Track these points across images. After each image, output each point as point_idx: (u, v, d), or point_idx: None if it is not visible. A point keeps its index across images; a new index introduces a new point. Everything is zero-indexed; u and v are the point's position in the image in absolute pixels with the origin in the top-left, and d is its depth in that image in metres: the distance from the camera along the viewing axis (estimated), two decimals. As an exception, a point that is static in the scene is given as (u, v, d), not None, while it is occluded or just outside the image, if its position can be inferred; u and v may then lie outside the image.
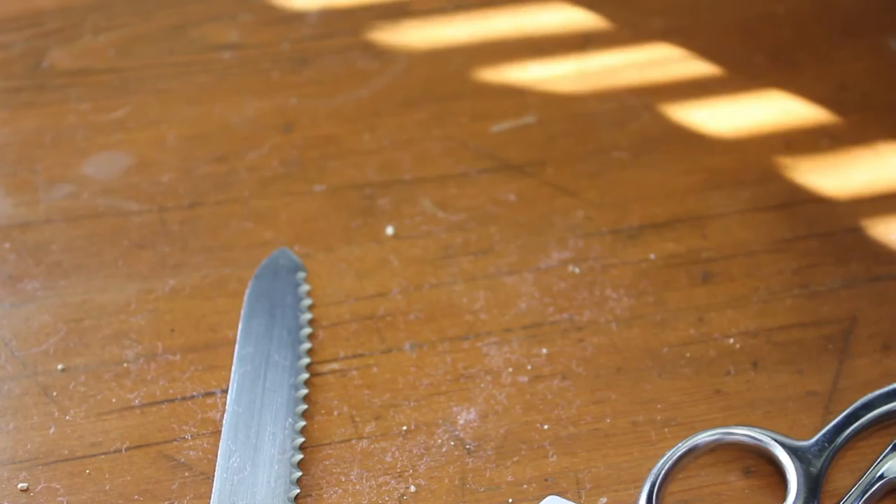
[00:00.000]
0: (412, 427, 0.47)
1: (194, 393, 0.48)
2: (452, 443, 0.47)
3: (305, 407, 0.47)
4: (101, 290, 0.51)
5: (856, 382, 0.48)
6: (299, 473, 0.45)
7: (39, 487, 0.45)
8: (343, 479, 0.46)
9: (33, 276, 0.52)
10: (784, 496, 0.44)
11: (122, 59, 0.60)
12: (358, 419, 0.47)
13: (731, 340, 0.49)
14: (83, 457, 0.46)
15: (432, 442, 0.46)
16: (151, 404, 0.48)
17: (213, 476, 0.45)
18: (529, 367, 0.49)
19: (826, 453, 0.45)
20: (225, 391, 0.48)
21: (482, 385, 0.48)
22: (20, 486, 0.45)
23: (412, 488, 0.45)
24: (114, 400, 0.48)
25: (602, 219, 0.53)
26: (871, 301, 0.50)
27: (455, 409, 0.47)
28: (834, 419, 0.46)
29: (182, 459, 0.46)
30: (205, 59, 0.60)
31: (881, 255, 0.52)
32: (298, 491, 0.45)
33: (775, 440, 0.45)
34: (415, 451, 0.46)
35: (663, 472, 0.44)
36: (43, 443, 0.47)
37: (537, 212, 0.54)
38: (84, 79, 0.59)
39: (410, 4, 0.62)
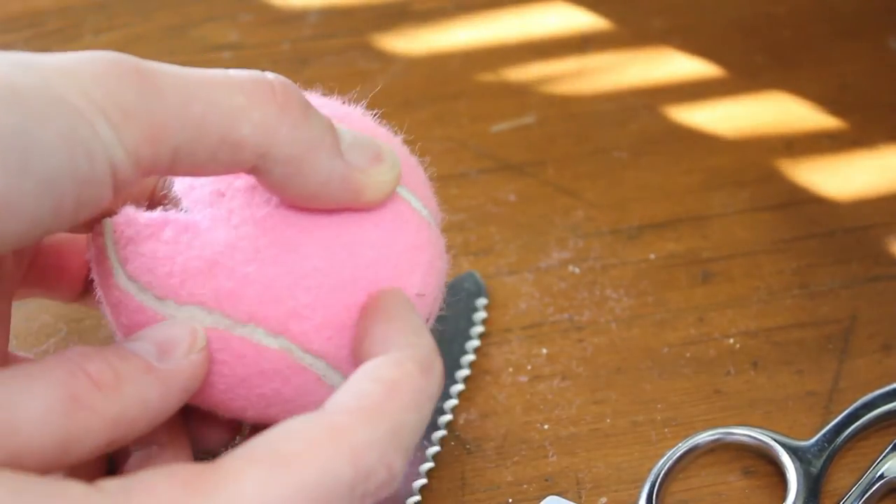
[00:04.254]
0: (412, 427, 0.47)
1: (194, 393, 0.48)
2: (452, 443, 0.47)
3: (305, 407, 0.47)
4: (102, 290, 0.51)
5: (856, 382, 0.48)
6: (299, 473, 0.45)
7: (39, 487, 0.45)
8: (343, 479, 0.46)
9: (33, 276, 0.52)
10: (784, 496, 0.44)
11: (122, 60, 0.60)
12: (358, 419, 0.47)
13: (731, 340, 0.49)
14: (83, 457, 0.46)
15: (432, 442, 0.46)
16: (151, 404, 0.48)
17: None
18: (529, 367, 0.49)
19: (826, 453, 0.45)
20: (225, 391, 0.48)
21: (482, 385, 0.48)
22: (20, 486, 0.45)
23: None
24: (114, 400, 0.48)
25: (602, 219, 0.53)
26: (871, 301, 0.50)
27: (454, 406, 0.47)
28: (834, 419, 0.46)
29: (182, 459, 0.46)
30: (205, 59, 0.60)
31: (881, 255, 0.52)
32: (298, 491, 0.45)
33: (775, 440, 0.45)
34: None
35: (663, 471, 0.44)
36: (43, 443, 0.47)
37: (537, 212, 0.54)
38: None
39: (411, 5, 0.62)
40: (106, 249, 0.36)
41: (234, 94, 0.33)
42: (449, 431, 0.47)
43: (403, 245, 0.36)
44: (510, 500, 0.45)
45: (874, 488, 0.44)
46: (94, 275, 0.37)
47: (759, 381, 0.48)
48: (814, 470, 0.44)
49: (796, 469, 0.44)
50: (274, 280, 0.34)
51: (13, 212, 0.29)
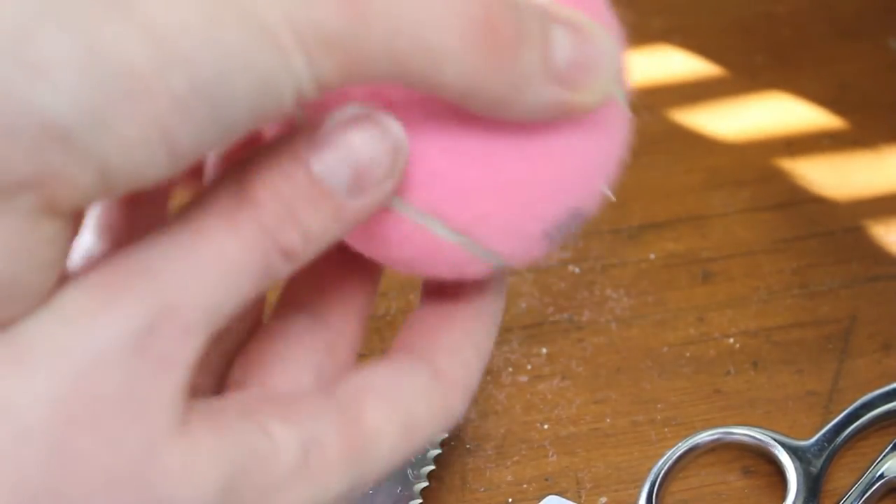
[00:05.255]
0: (412, 427, 0.47)
1: (194, 393, 0.48)
2: (452, 442, 0.46)
3: (305, 407, 0.47)
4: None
5: (856, 382, 0.48)
6: (299, 473, 0.45)
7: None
8: (343, 479, 0.46)
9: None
10: (784, 496, 0.44)
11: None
12: (358, 419, 0.47)
13: (731, 340, 0.49)
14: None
15: (432, 442, 0.46)
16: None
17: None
18: (529, 367, 0.49)
19: (826, 453, 0.45)
20: (225, 391, 0.48)
21: (482, 385, 0.48)
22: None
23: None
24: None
25: (602, 218, 0.53)
26: (871, 301, 0.50)
27: (455, 408, 0.47)
28: (834, 419, 0.46)
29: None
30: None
31: (881, 254, 0.52)
32: (298, 490, 0.45)
33: (775, 440, 0.45)
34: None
35: (663, 471, 0.44)
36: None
37: (537, 212, 0.54)
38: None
39: (411, 4, 0.62)
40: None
41: (447, 34, 0.28)
42: (449, 431, 0.47)
43: (605, 155, 0.33)
44: (510, 500, 0.45)
45: (874, 488, 0.44)
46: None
47: (759, 381, 0.48)
48: (814, 470, 0.44)
49: (796, 469, 0.44)
50: (469, 184, 0.31)
51: (182, 159, 0.27)
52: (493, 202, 0.31)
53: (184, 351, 0.27)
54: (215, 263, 0.28)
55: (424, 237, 0.31)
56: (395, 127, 0.29)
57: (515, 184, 0.31)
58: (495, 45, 0.28)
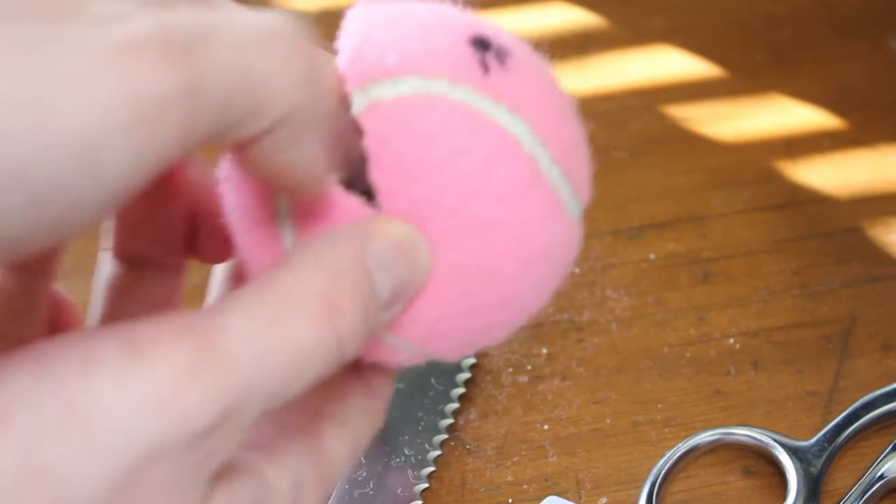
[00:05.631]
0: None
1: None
2: (453, 443, 0.47)
3: (305, 407, 0.47)
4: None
5: (856, 382, 0.48)
6: (299, 473, 0.45)
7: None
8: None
9: (33, 276, 0.52)
10: (784, 496, 0.44)
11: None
12: (358, 419, 0.47)
13: (731, 340, 0.49)
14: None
15: (434, 446, 0.47)
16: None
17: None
18: (529, 367, 0.49)
19: (826, 453, 0.45)
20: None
21: (482, 385, 0.48)
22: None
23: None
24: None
25: (602, 219, 0.53)
26: (871, 301, 0.50)
27: (455, 409, 0.47)
28: (834, 419, 0.46)
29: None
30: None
31: (881, 255, 0.52)
32: (298, 491, 0.45)
33: (775, 440, 0.45)
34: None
35: (663, 472, 0.44)
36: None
37: (537, 212, 0.54)
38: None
39: (410, 5, 0.62)
40: (277, 217, 0.31)
41: (264, 57, 0.26)
42: (449, 432, 0.47)
43: (563, 273, 0.34)
44: (510, 501, 0.45)
45: (874, 488, 0.44)
46: (242, 239, 0.32)
47: (759, 381, 0.48)
48: (814, 470, 0.44)
49: (796, 469, 0.44)
50: (454, 326, 0.32)
51: None
52: (472, 337, 0.33)
53: (234, 444, 0.27)
54: (290, 360, 0.27)
55: (405, 357, 0.33)
56: (428, 257, 0.30)
57: (493, 326, 0.33)
58: (311, 66, 0.28)
